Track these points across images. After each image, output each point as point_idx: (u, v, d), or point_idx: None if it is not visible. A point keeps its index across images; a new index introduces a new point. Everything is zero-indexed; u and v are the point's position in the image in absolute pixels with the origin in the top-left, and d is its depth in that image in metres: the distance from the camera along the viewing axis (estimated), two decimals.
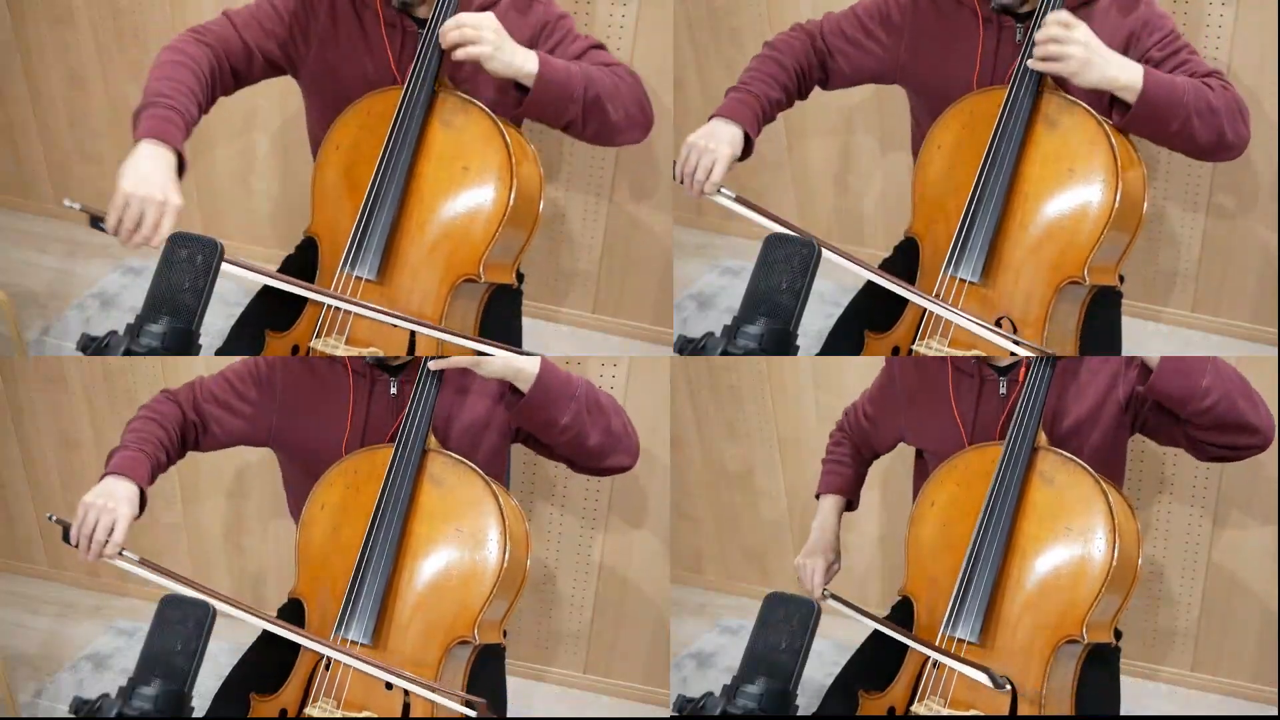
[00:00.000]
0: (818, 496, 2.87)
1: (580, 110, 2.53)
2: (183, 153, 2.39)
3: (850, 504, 2.87)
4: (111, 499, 2.41)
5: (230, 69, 2.58)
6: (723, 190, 2.51)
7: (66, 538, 2.40)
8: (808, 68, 2.68)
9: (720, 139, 2.54)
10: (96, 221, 2.32)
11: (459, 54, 2.45)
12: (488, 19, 2.46)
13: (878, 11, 2.67)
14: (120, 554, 2.38)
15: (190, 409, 2.61)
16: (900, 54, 2.65)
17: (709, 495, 3.65)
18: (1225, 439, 2.47)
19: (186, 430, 2.60)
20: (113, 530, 2.38)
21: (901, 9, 2.65)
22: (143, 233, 2.32)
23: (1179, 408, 2.45)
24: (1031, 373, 2.47)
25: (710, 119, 2.59)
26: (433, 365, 2.47)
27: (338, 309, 2.50)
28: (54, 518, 2.41)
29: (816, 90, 2.73)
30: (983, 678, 2.38)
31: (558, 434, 2.51)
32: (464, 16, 2.46)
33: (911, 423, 2.68)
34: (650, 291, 3.42)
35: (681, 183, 2.55)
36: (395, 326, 2.46)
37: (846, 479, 2.85)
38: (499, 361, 2.46)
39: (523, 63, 2.47)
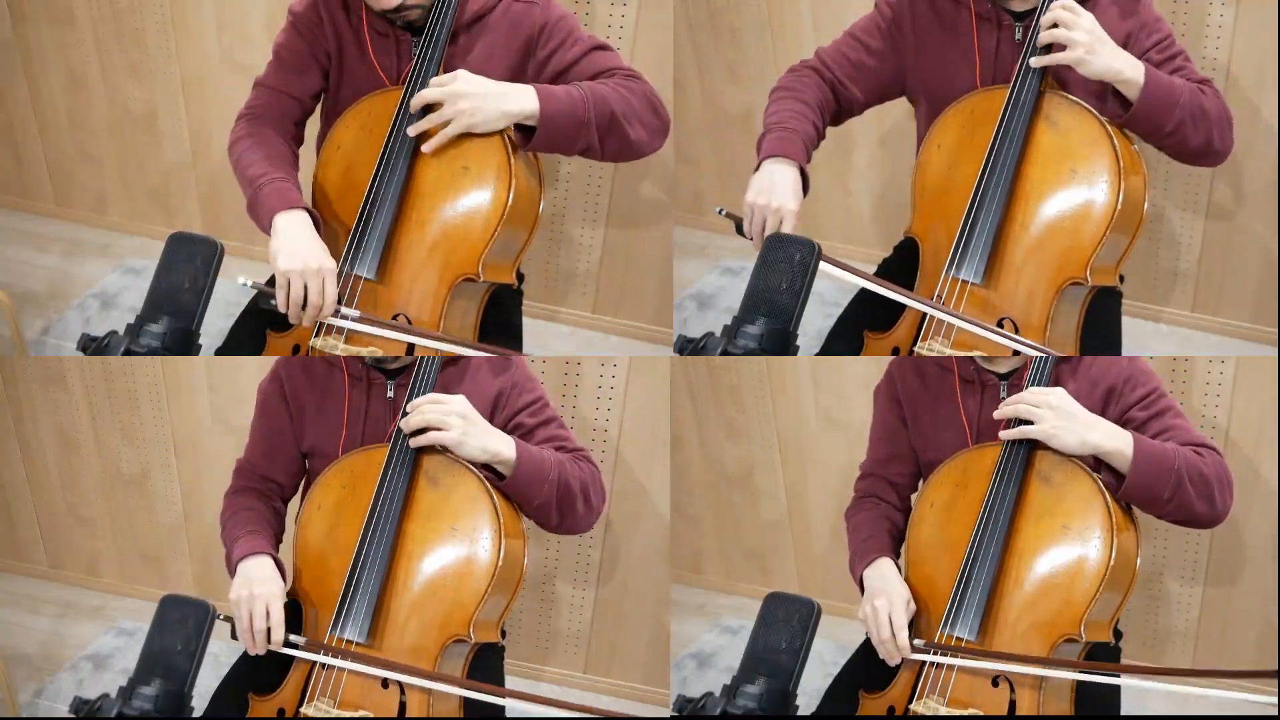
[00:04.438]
0: (861, 578, 2.56)
1: (595, 135, 2.51)
2: (312, 210, 2.46)
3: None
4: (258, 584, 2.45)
5: (292, 124, 2.63)
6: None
7: (269, 302, 2.43)
8: (824, 102, 2.65)
9: (782, 190, 2.50)
10: (267, 299, 2.43)
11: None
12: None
13: (874, 25, 2.66)
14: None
15: (253, 481, 2.65)
16: (905, 58, 2.64)
17: (709, 495, 3.65)
18: (1171, 521, 2.44)
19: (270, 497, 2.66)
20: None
21: (898, 14, 2.64)
22: (312, 302, 2.41)
23: (1136, 506, 2.43)
24: (1031, 374, 2.47)
25: (762, 161, 2.54)
26: (412, 441, 2.43)
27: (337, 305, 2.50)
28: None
29: None
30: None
31: (528, 512, 2.50)
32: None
33: (918, 435, 2.66)
34: (650, 291, 3.42)
35: (751, 240, 2.51)
36: (389, 337, 2.46)
37: (883, 547, 2.60)
38: (479, 445, 2.42)
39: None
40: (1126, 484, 2.36)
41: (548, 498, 2.47)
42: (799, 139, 2.55)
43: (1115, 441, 2.37)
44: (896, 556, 2.60)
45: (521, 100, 2.47)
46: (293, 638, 2.43)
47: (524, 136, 2.50)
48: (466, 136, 2.48)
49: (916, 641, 2.45)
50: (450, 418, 2.41)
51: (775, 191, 2.51)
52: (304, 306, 2.42)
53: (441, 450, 2.47)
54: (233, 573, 2.49)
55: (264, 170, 2.50)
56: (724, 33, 3.53)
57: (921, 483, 2.63)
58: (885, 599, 2.46)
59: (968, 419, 2.56)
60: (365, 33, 2.59)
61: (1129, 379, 2.48)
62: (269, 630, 2.41)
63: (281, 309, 2.42)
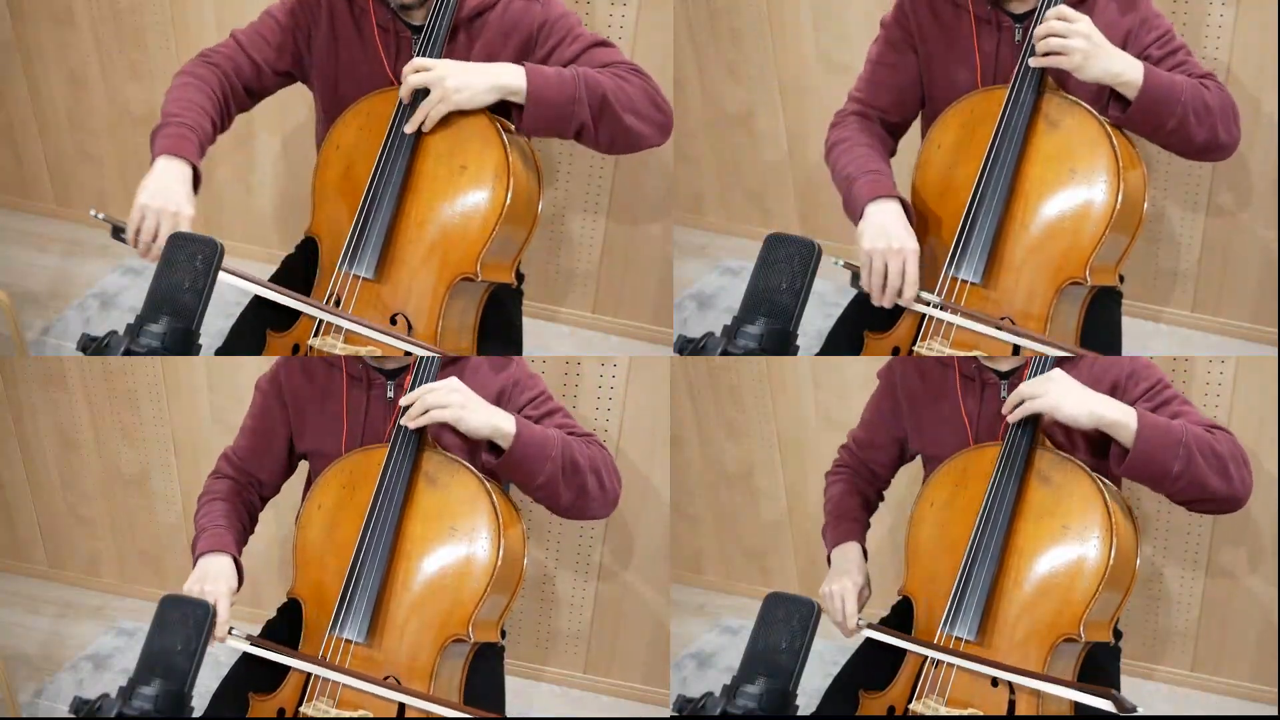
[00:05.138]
0: (829, 559, 2.73)
1: (588, 116, 2.51)
2: (197, 166, 2.48)
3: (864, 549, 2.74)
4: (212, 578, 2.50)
5: (243, 87, 2.63)
6: (922, 295, 2.45)
7: (119, 235, 2.44)
8: (883, 139, 2.65)
9: (897, 230, 2.44)
10: (118, 232, 2.44)
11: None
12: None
13: (887, 44, 2.67)
14: (230, 633, 2.44)
15: (237, 474, 2.68)
16: (918, 60, 2.64)
17: (709, 495, 3.65)
18: (1190, 505, 2.45)
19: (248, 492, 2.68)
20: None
21: (902, 23, 2.64)
22: (159, 244, 2.41)
23: (1148, 486, 2.43)
24: (1031, 371, 2.47)
25: (863, 208, 2.47)
26: (411, 424, 2.44)
27: (336, 305, 2.50)
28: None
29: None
30: (1108, 705, 2.31)
31: (532, 490, 2.51)
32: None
33: (916, 430, 2.66)
34: (650, 291, 3.42)
35: (870, 293, 2.46)
36: (387, 342, 2.47)
37: (853, 528, 2.73)
38: (480, 418, 2.44)
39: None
40: (1132, 455, 2.34)
41: (553, 474, 2.47)
42: (887, 177, 2.53)
43: (1119, 412, 2.36)
44: (864, 532, 2.71)
45: (509, 75, 2.48)
46: (236, 629, 2.43)
47: (517, 121, 2.50)
48: (464, 135, 2.49)
49: (862, 621, 2.50)
50: (449, 396, 2.42)
51: (892, 233, 2.45)
52: (152, 243, 2.44)
53: (440, 449, 2.47)
54: (194, 562, 2.54)
55: (180, 111, 2.53)
56: (724, 33, 3.53)
57: (921, 482, 2.63)
58: (840, 585, 2.57)
59: (967, 417, 2.56)
60: (366, 27, 2.59)
61: (1131, 374, 2.48)
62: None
63: (130, 242, 2.44)
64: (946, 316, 2.48)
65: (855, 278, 2.47)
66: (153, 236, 2.42)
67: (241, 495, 2.66)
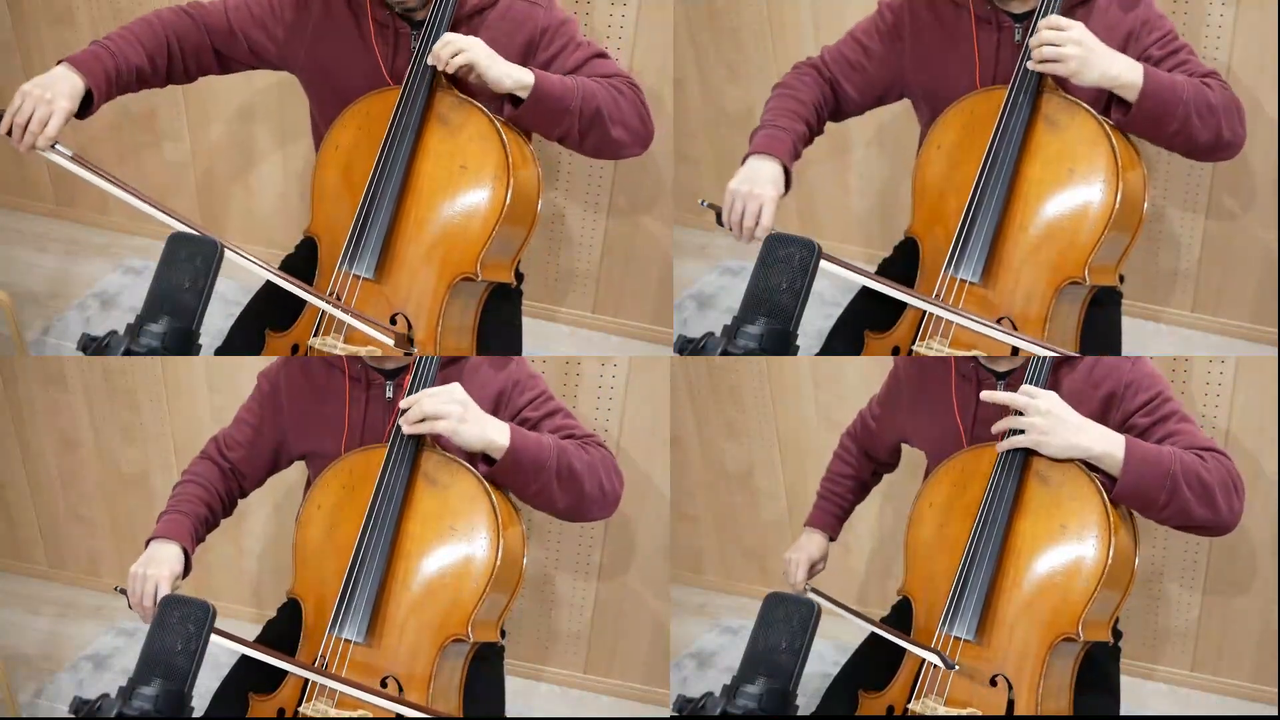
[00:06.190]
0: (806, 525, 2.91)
1: (577, 124, 2.52)
2: (93, 89, 2.49)
3: (831, 537, 2.90)
4: None
5: (212, 47, 2.62)
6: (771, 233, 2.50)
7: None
8: (821, 101, 2.69)
9: (762, 180, 2.56)
10: None
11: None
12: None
13: (874, 28, 2.68)
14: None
15: (222, 460, 2.69)
16: (903, 62, 2.65)
17: (709, 495, 3.65)
18: (1178, 528, 2.45)
19: (229, 482, 2.69)
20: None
21: (898, 18, 2.65)
22: (31, 129, 2.44)
23: (1135, 511, 2.44)
24: (1029, 372, 2.47)
25: (745, 158, 2.60)
26: (407, 429, 2.44)
27: (337, 304, 2.50)
28: None
29: None
30: (934, 659, 2.41)
31: (527, 498, 2.50)
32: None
33: (912, 424, 2.68)
34: (650, 291, 3.42)
35: (730, 230, 2.55)
36: (387, 337, 2.46)
37: (833, 513, 2.88)
38: (474, 431, 2.43)
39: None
40: (1118, 488, 2.36)
41: (547, 483, 2.47)
42: (787, 137, 2.61)
43: (1105, 445, 2.37)
44: (841, 517, 2.89)
45: (522, 72, 2.49)
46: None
47: (511, 110, 2.52)
48: (464, 135, 2.49)
49: (810, 586, 2.68)
50: (448, 406, 2.42)
51: (756, 180, 2.55)
52: (24, 130, 2.45)
53: (439, 449, 2.47)
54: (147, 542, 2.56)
55: (114, 38, 2.54)
56: (724, 33, 3.53)
57: (921, 482, 2.63)
58: (798, 555, 2.83)
59: (960, 417, 2.56)
60: (364, 24, 2.59)
61: (1130, 384, 2.47)
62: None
63: (4, 126, 2.45)
64: (939, 311, 2.48)
65: (719, 216, 2.57)
66: (26, 120, 2.43)
67: (221, 482, 2.67)
